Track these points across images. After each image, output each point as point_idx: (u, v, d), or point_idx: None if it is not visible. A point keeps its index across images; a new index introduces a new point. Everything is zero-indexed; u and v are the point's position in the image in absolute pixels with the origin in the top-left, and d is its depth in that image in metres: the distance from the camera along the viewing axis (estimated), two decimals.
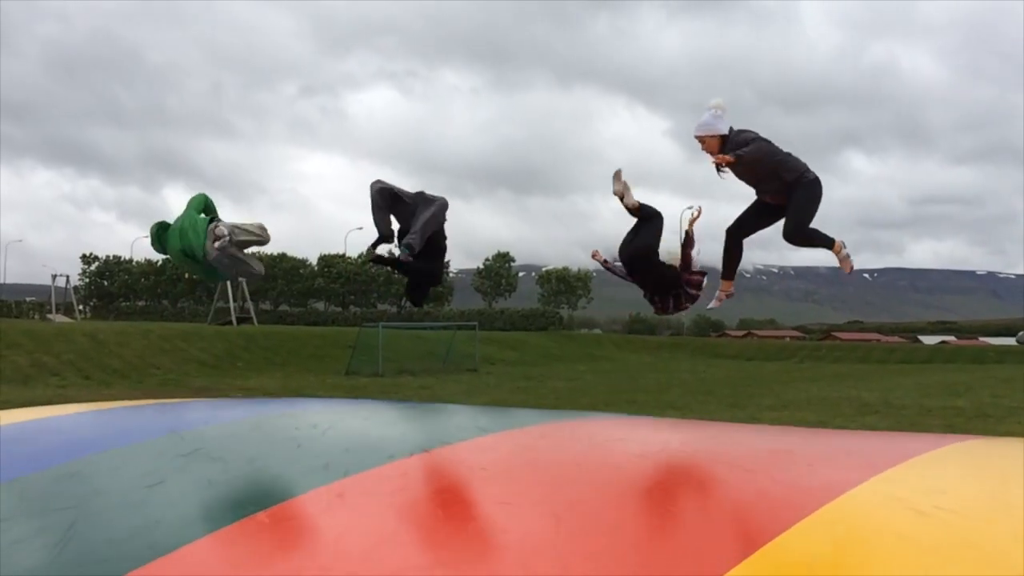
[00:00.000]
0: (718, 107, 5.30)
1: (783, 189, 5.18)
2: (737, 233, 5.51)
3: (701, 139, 5.32)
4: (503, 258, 75.52)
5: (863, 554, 2.69)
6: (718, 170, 5.22)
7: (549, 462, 4.26)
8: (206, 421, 6.01)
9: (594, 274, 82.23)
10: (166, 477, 3.55)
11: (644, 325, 76.60)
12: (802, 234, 5.18)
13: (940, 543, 2.67)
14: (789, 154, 5.33)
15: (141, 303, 77.38)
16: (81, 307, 68.68)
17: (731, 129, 5.26)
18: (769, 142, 5.22)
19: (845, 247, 5.32)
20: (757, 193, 5.31)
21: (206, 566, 2.55)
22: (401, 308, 72.81)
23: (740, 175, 5.25)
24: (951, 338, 64.37)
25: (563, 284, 72.25)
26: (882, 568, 2.58)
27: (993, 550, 2.58)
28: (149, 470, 3.75)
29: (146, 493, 3.28)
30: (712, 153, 5.24)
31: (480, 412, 7.34)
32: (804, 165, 5.26)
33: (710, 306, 5.59)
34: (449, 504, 3.10)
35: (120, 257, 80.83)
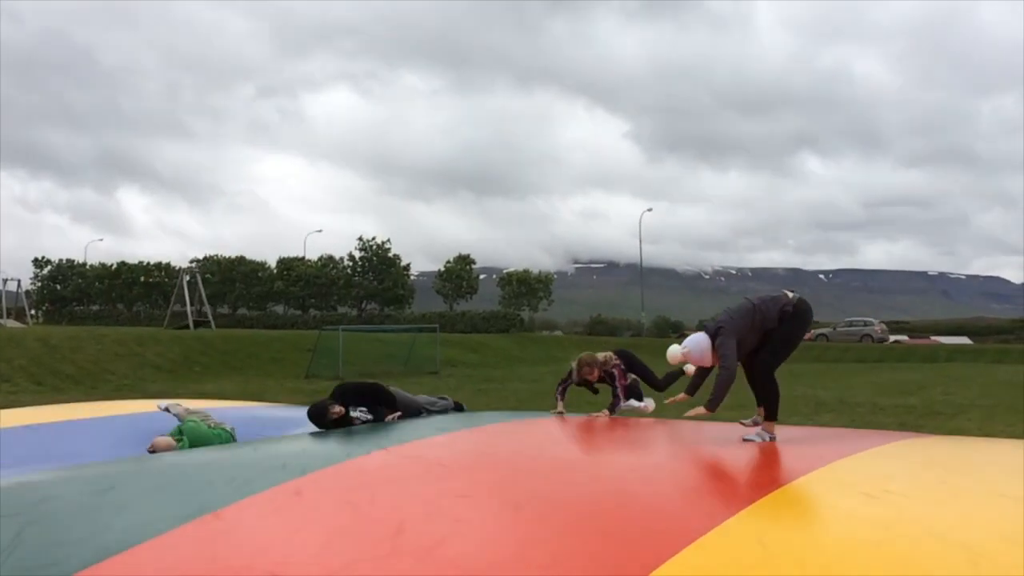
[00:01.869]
0: (677, 359, 5.51)
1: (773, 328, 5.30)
2: (751, 370, 5.47)
3: (708, 364, 5.47)
4: (464, 260, 75.36)
5: (814, 531, 2.74)
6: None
7: (507, 456, 4.28)
8: (160, 428, 5.95)
9: (555, 276, 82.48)
10: (117, 483, 3.49)
11: (604, 327, 76.98)
12: (767, 377, 5.27)
13: (889, 521, 2.73)
14: (761, 302, 5.39)
15: (95, 307, 75.91)
16: (33, 312, 67.15)
17: (715, 337, 5.33)
18: (742, 313, 5.32)
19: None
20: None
21: (156, 566, 2.52)
22: (361, 311, 72.34)
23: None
24: (904, 337, 65.45)
25: (524, 286, 72.23)
26: (833, 542, 2.64)
27: (942, 527, 2.65)
28: (100, 476, 3.69)
29: (96, 499, 3.22)
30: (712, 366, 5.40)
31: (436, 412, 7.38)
32: (783, 300, 5.34)
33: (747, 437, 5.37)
34: (408, 498, 3.09)
35: (74, 261, 79.27)
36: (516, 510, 2.59)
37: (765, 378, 5.38)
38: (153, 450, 6.12)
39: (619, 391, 6.94)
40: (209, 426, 6.41)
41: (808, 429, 6.66)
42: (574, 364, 7.10)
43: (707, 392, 5.44)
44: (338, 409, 6.29)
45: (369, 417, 6.46)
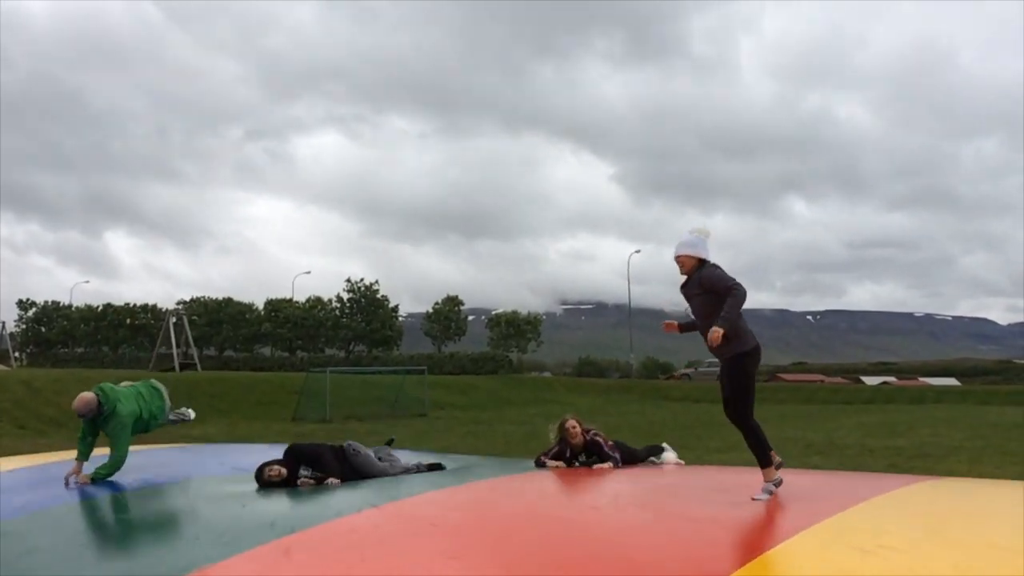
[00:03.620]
0: (702, 232, 5.50)
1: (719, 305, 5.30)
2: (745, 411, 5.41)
3: (680, 258, 5.44)
4: (452, 302, 75.37)
5: None
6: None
7: (499, 515, 4.23)
8: (149, 480, 5.91)
9: (543, 317, 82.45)
10: (104, 536, 3.44)
11: (593, 368, 76.87)
12: (742, 423, 5.28)
13: None
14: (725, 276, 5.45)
15: (80, 350, 75.30)
16: (17, 354, 66.56)
17: (707, 262, 5.40)
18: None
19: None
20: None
21: None
22: (349, 353, 71.99)
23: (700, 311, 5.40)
24: (892, 379, 65.66)
25: (513, 327, 72.17)
26: None
27: None
28: (86, 529, 3.64)
29: (81, 552, 3.17)
30: (684, 271, 5.40)
31: (429, 459, 7.31)
32: (732, 280, 5.42)
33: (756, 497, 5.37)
34: (397, 558, 3.05)
35: (59, 303, 78.82)
36: (507, 572, 2.55)
37: (740, 425, 5.34)
38: (76, 409, 6.29)
39: (612, 453, 6.95)
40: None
41: (807, 475, 6.62)
42: (554, 430, 7.14)
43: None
44: (276, 471, 6.29)
45: (311, 481, 6.43)
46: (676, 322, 5.79)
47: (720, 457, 15.58)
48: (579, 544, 3.11)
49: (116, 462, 6.22)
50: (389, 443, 8.01)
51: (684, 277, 5.61)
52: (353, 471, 6.69)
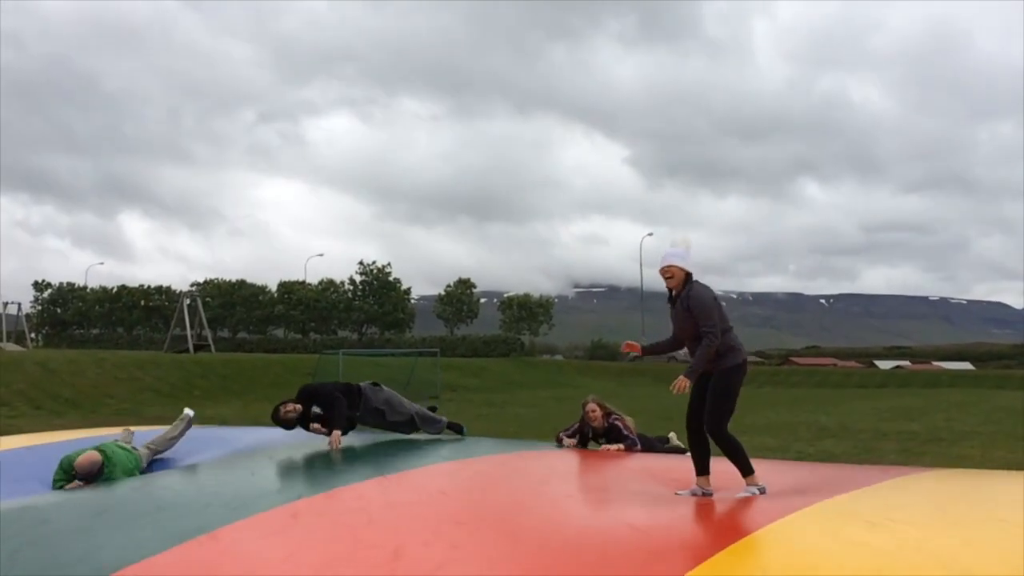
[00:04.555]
0: (685, 243, 5.38)
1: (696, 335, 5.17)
2: (696, 423, 5.26)
3: (670, 268, 5.31)
4: (464, 284, 75.48)
5: (817, 557, 2.72)
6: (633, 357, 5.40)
7: (507, 487, 4.25)
8: (160, 456, 5.94)
9: (555, 300, 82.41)
10: (114, 504, 3.49)
11: (605, 351, 76.83)
12: (719, 437, 5.14)
13: (892, 548, 2.72)
14: (711, 312, 5.26)
15: (95, 331, 75.88)
16: (33, 335, 67.13)
17: (691, 276, 5.30)
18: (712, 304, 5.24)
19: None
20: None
21: None
22: (362, 335, 72.25)
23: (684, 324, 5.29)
24: (906, 363, 65.46)
25: (524, 310, 72.21)
26: (836, 568, 2.62)
27: (943, 554, 2.65)
28: (96, 499, 3.69)
29: (93, 520, 3.21)
30: (673, 283, 5.27)
31: (438, 440, 7.37)
32: (712, 323, 5.25)
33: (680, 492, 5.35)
34: (405, 523, 3.06)
35: (74, 284, 79.36)
36: (515, 538, 2.56)
37: (718, 439, 5.14)
38: (80, 467, 6.05)
39: (630, 435, 6.94)
40: (130, 447, 6.73)
41: (807, 466, 6.59)
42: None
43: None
44: (292, 407, 6.47)
45: (321, 428, 6.54)
46: (639, 344, 5.61)
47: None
48: (585, 518, 3.12)
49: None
50: (432, 410, 8.18)
51: (670, 291, 5.45)
52: (371, 413, 6.87)
